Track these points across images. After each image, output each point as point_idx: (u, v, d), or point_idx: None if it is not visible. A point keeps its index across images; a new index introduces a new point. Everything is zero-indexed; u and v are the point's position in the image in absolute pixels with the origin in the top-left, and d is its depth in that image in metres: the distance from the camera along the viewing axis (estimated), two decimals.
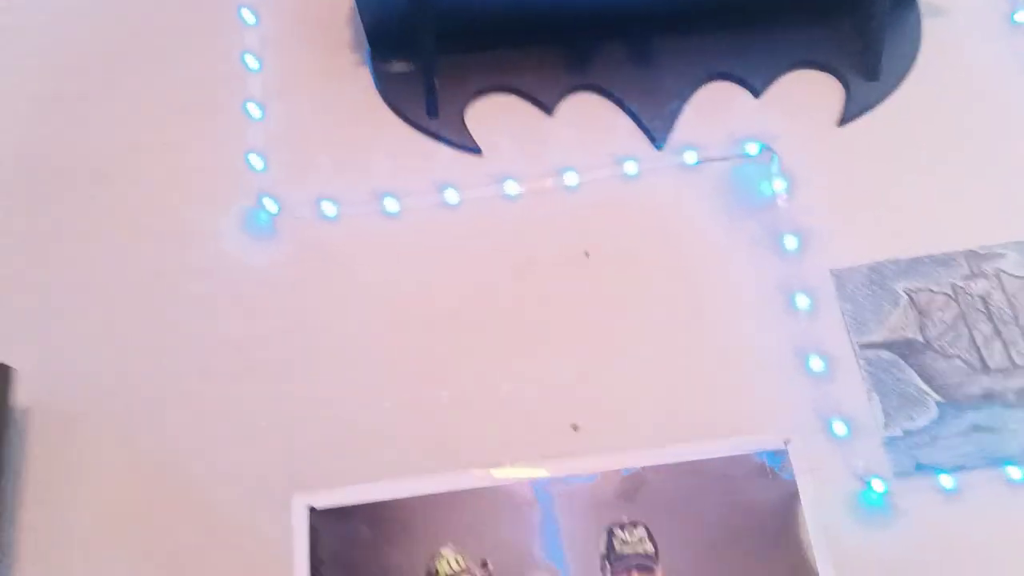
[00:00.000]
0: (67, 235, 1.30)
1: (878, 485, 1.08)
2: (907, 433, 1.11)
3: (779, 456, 1.11)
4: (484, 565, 1.11)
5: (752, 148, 1.28)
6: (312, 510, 1.11)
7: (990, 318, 1.18)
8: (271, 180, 1.31)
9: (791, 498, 1.09)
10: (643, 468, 1.13)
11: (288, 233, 1.28)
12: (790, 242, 1.22)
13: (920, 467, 1.09)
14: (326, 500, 1.12)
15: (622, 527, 1.11)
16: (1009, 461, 1.07)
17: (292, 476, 1.12)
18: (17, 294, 1.26)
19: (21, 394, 1.17)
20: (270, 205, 1.28)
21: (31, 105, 1.41)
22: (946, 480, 1.08)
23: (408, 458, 1.14)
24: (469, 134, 1.32)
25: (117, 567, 1.12)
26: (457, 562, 1.11)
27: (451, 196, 1.28)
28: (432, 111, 1.32)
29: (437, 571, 1.11)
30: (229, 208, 1.29)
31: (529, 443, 1.13)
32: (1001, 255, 1.20)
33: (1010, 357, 1.13)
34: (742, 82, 1.34)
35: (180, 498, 1.13)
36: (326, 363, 1.20)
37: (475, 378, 1.18)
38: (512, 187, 1.28)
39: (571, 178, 1.29)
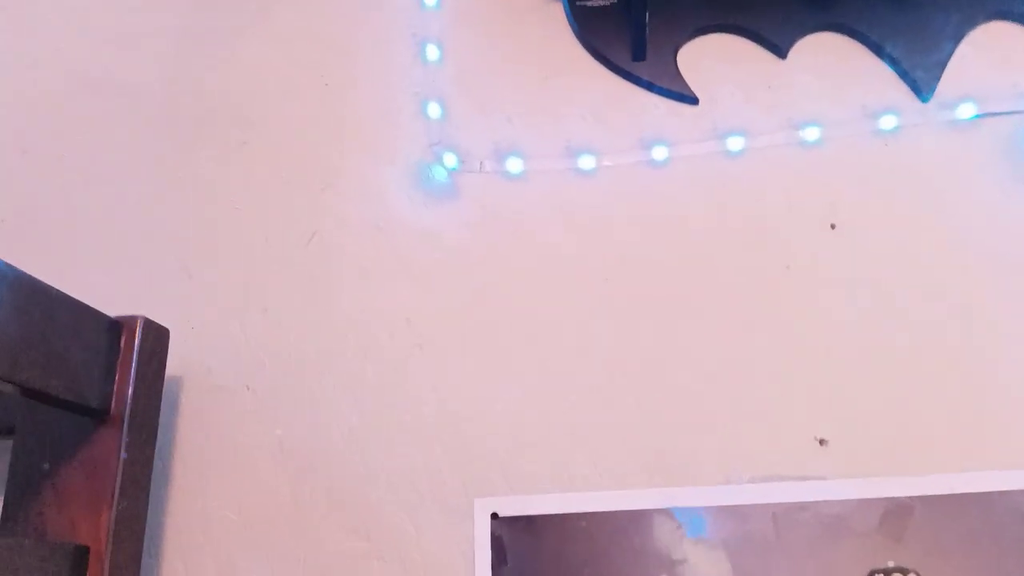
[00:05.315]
0: (211, 189, 1.19)
1: None
2: None
3: None
4: None
5: None
6: (495, 517, 0.99)
7: None
8: (449, 131, 1.16)
9: None
10: (910, 498, 0.92)
11: (467, 192, 1.14)
12: None
13: None
14: (512, 507, 1.00)
15: (887, 573, 0.89)
16: None
17: (467, 479, 1.01)
18: (154, 250, 1.17)
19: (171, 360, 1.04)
20: (448, 159, 1.14)
21: (171, 40, 1.30)
22: None
23: (611, 468, 0.99)
24: (683, 80, 1.14)
25: (257, 572, 0.99)
26: None
27: (659, 153, 1.11)
28: (639, 53, 1.15)
29: None
30: (399, 162, 1.16)
31: (764, 458, 0.97)
32: None
33: None
34: None
35: (335, 498, 1.02)
36: (512, 348, 1.05)
37: (697, 376, 1.01)
38: (735, 143, 1.10)
39: (811, 133, 1.09)
